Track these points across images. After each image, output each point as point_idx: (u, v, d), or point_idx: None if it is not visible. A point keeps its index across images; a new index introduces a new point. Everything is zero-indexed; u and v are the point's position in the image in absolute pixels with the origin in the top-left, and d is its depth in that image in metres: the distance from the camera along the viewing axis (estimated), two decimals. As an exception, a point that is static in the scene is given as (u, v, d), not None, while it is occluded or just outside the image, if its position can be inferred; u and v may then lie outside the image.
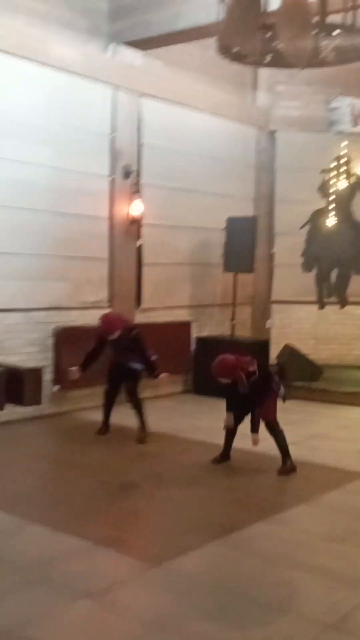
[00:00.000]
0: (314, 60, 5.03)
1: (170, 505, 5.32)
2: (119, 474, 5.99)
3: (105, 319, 7.04)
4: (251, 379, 6.09)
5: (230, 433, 6.31)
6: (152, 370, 6.99)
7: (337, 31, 4.98)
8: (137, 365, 6.96)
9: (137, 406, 7.02)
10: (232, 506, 5.31)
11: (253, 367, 6.15)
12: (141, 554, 4.40)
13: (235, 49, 5.22)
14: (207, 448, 6.68)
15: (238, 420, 6.26)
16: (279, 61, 5.14)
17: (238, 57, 5.48)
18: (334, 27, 5.05)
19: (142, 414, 7.02)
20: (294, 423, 7.96)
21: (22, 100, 7.66)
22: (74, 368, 6.85)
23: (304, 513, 5.17)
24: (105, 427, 7.10)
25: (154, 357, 6.97)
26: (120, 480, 5.83)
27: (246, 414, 6.21)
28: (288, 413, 8.41)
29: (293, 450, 6.76)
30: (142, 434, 6.94)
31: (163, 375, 7.07)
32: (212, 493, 5.60)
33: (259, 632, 3.51)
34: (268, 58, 5.26)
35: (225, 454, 6.35)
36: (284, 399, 6.25)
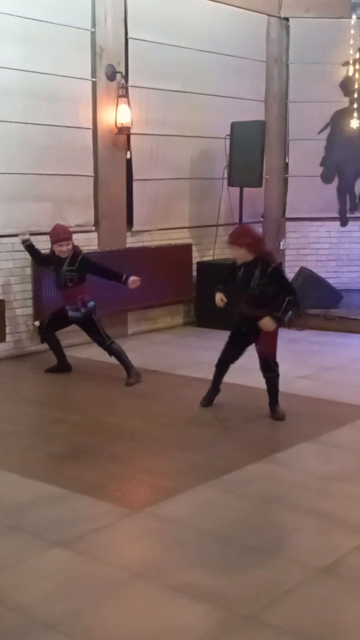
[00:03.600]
0: None
1: (160, 446, 5.50)
2: (104, 415, 6.18)
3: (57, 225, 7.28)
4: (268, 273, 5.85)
5: (223, 366, 6.28)
6: (119, 279, 7.01)
7: None
8: (84, 309, 7.02)
9: (114, 352, 7.08)
10: (229, 446, 5.48)
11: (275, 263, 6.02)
12: (122, 499, 4.59)
13: None
14: (207, 385, 6.82)
15: (234, 351, 6.21)
16: None
17: None
18: None
19: (124, 359, 7.07)
20: (308, 354, 8.14)
21: (-15, -8, 7.55)
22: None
23: (307, 452, 5.34)
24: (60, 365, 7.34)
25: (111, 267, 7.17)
26: (105, 421, 6.03)
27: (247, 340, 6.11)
28: (302, 344, 8.63)
29: (304, 384, 6.95)
30: (132, 380, 7.03)
31: (133, 279, 7.01)
32: (208, 433, 5.78)
33: (244, 578, 3.69)
34: None
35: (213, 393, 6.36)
36: (287, 323, 6.11)
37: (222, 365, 6.29)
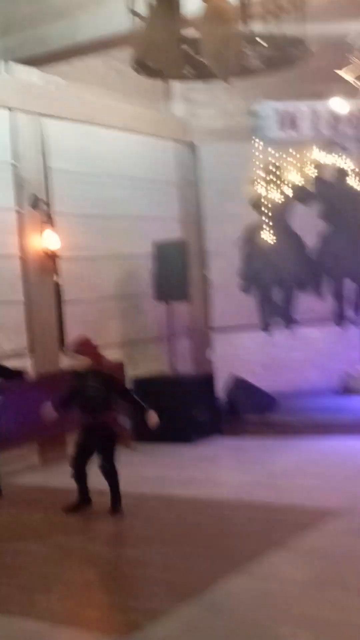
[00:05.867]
0: (240, 69, 5.34)
1: (128, 568, 5.40)
2: (65, 541, 6.03)
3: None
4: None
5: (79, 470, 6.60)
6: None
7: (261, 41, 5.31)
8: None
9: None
10: (199, 560, 5.42)
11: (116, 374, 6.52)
12: (107, 626, 4.46)
13: (151, 64, 5.48)
14: (160, 501, 6.79)
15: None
16: (200, 74, 5.43)
17: (155, 73, 5.75)
18: (257, 36, 5.39)
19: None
20: (254, 461, 8.21)
21: None
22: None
23: (279, 559, 5.32)
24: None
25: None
26: (68, 547, 5.88)
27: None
28: (245, 451, 8.71)
29: (259, 492, 6.97)
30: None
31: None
32: (173, 549, 5.70)
33: None
34: (187, 71, 5.53)
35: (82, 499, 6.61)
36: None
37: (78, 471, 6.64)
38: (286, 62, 6.11)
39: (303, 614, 4.43)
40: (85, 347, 6.65)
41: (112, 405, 6.53)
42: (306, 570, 5.10)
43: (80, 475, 6.65)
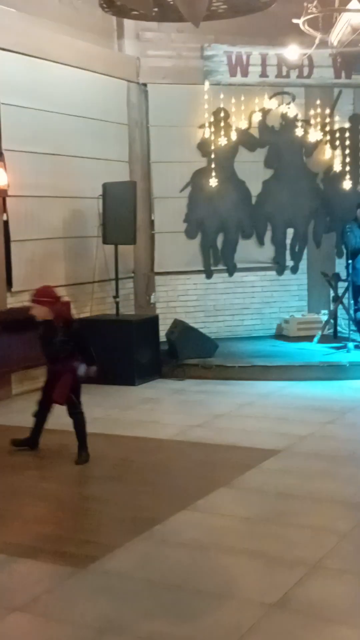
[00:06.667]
0: (208, 13, 5.38)
1: (81, 504, 5.60)
2: (14, 479, 6.17)
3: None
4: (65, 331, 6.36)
5: (41, 413, 6.63)
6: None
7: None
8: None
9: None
10: (148, 498, 5.65)
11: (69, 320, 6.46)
12: (62, 558, 4.64)
13: (120, 2, 5.46)
14: (108, 440, 6.98)
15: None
16: (168, 14, 5.43)
17: (122, 11, 5.72)
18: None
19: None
20: (195, 403, 8.47)
21: None
22: None
23: (225, 496, 5.60)
24: None
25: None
26: (17, 484, 6.03)
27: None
28: (186, 394, 8.96)
29: (201, 433, 7.24)
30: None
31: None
32: (123, 487, 5.90)
33: (206, 622, 3.88)
34: (154, 12, 5.53)
35: (32, 439, 6.68)
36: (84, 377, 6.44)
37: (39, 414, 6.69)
38: (252, 8, 6.19)
39: (246, 547, 4.73)
40: (46, 296, 6.46)
41: (73, 355, 6.42)
42: (249, 507, 5.40)
43: (39, 417, 6.65)
